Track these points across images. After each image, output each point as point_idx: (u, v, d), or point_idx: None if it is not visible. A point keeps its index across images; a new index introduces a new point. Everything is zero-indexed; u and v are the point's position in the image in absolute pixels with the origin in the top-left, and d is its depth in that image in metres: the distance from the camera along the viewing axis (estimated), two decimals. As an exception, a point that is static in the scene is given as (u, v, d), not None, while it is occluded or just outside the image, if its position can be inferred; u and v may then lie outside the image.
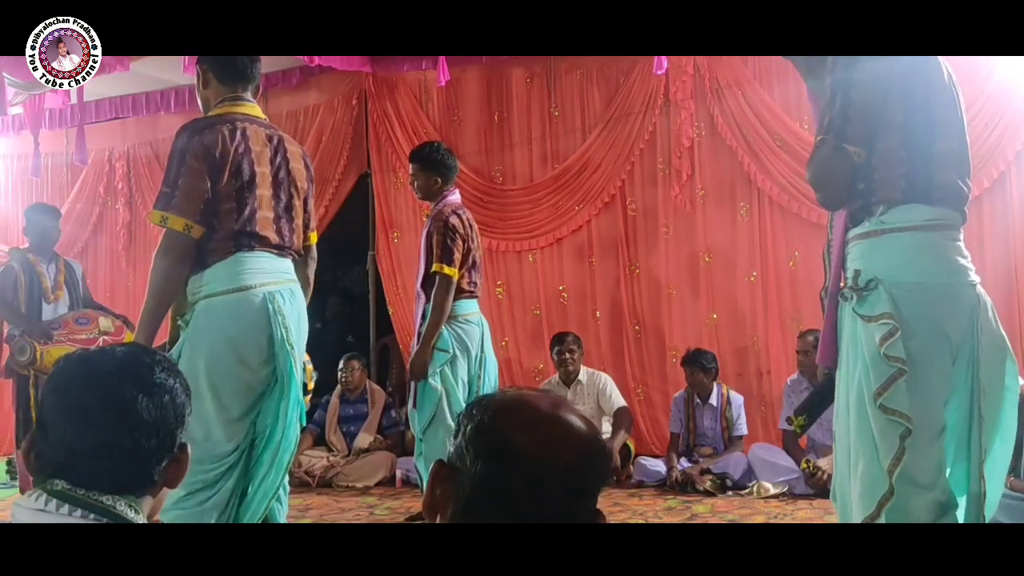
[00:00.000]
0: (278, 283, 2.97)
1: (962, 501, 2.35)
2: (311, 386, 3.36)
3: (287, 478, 3.10)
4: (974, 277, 2.38)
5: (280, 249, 3.01)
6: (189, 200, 2.84)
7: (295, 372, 2.94)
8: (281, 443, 2.93)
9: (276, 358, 2.92)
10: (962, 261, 2.36)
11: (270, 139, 3.04)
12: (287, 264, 3.05)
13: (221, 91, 3.05)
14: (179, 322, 2.97)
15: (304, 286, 3.21)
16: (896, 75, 2.32)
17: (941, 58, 2.40)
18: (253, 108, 3.08)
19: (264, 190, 2.98)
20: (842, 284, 2.42)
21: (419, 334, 4.50)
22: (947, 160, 2.35)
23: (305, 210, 3.18)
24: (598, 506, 1.27)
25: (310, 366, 3.34)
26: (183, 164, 2.86)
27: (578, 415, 1.28)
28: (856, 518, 2.28)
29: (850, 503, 2.34)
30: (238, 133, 2.93)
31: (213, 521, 2.81)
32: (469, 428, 1.25)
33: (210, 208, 2.87)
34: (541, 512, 1.19)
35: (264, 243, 2.96)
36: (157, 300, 2.87)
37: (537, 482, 1.20)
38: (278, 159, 3.05)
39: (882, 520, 2.21)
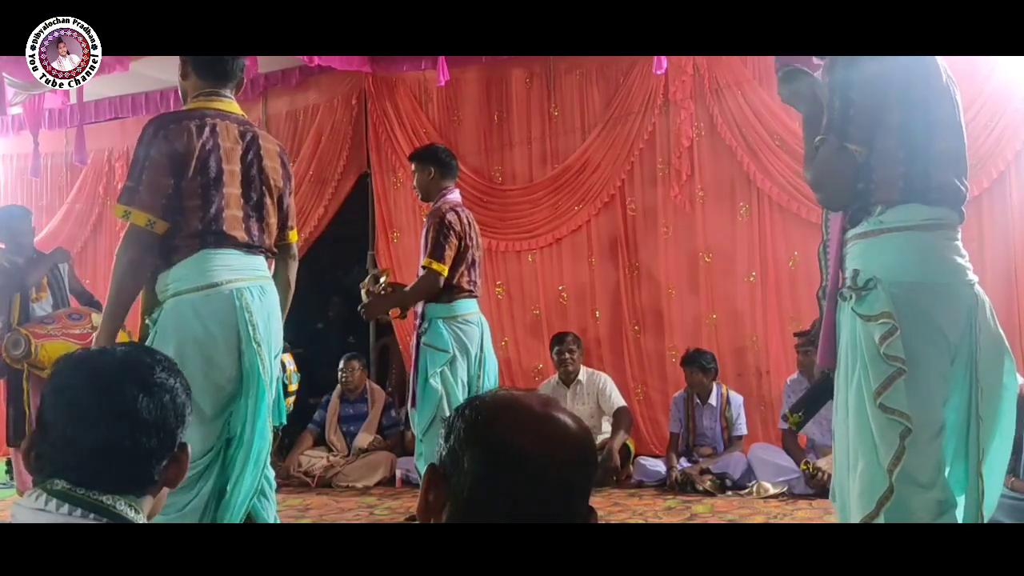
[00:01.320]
0: (247, 279, 2.92)
1: (961, 500, 2.35)
2: (292, 387, 3.32)
3: (271, 472, 3.06)
4: (972, 276, 2.38)
5: (249, 248, 2.96)
6: (152, 195, 2.81)
7: (261, 370, 2.88)
8: (253, 442, 2.88)
9: (242, 356, 2.87)
10: (960, 260, 2.36)
11: (243, 136, 2.99)
12: (257, 261, 3.01)
13: (199, 85, 3.01)
14: (147, 320, 2.95)
15: (284, 287, 3.18)
16: (894, 75, 2.32)
17: (939, 59, 2.40)
18: (229, 104, 3.03)
19: (232, 188, 2.93)
20: (840, 284, 2.42)
21: (418, 333, 4.52)
22: (945, 160, 2.36)
23: (281, 208, 3.13)
24: (596, 505, 1.28)
25: (292, 366, 3.30)
26: (147, 159, 2.82)
27: (568, 414, 1.29)
28: (855, 517, 2.28)
29: (849, 502, 2.34)
30: (207, 129, 2.89)
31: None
32: (463, 430, 1.25)
33: (174, 205, 2.84)
34: (542, 511, 1.20)
35: (231, 241, 2.91)
36: (118, 297, 2.85)
37: (538, 481, 1.20)
38: (250, 156, 3.00)
39: (881, 519, 2.21)
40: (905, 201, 2.31)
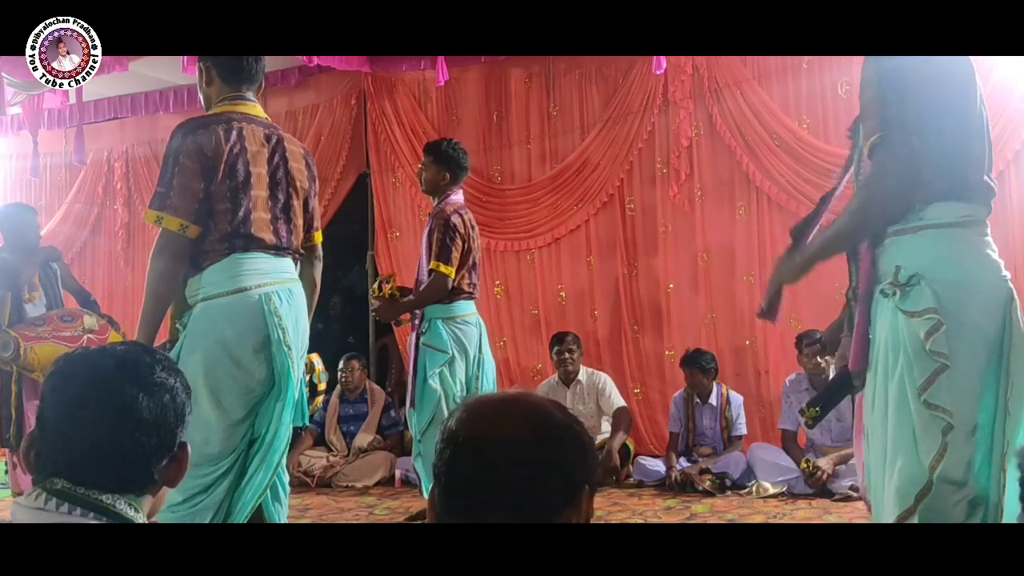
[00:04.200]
0: (275, 283, 2.94)
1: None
2: (322, 387, 3.35)
3: (287, 477, 3.10)
4: (1006, 272, 2.38)
5: (277, 250, 2.98)
6: (184, 200, 2.83)
7: (292, 373, 2.92)
8: (273, 443, 2.91)
9: (273, 359, 2.90)
10: (994, 256, 2.37)
11: (268, 139, 3.02)
12: (285, 263, 3.03)
13: (223, 90, 3.03)
14: (177, 325, 2.97)
15: (309, 288, 3.20)
16: (938, 72, 2.32)
17: (972, 59, 2.40)
18: (254, 107, 3.05)
19: (260, 191, 2.95)
20: (874, 281, 2.40)
21: (418, 333, 4.53)
22: (978, 158, 2.36)
23: (307, 210, 3.15)
24: (597, 505, 1.27)
25: (320, 366, 3.33)
26: (177, 164, 2.84)
27: (547, 400, 1.31)
28: (891, 514, 2.28)
29: (883, 499, 2.34)
30: (234, 133, 2.91)
31: (207, 521, 2.81)
32: (441, 432, 1.29)
33: (205, 208, 2.86)
34: (502, 496, 1.20)
35: (259, 244, 2.93)
36: (155, 300, 2.86)
37: (485, 462, 1.22)
38: (276, 159, 3.02)
39: (916, 517, 2.21)
40: (944, 198, 2.31)
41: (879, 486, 2.37)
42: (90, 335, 5.30)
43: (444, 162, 4.61)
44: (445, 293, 4.45)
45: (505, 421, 1.25)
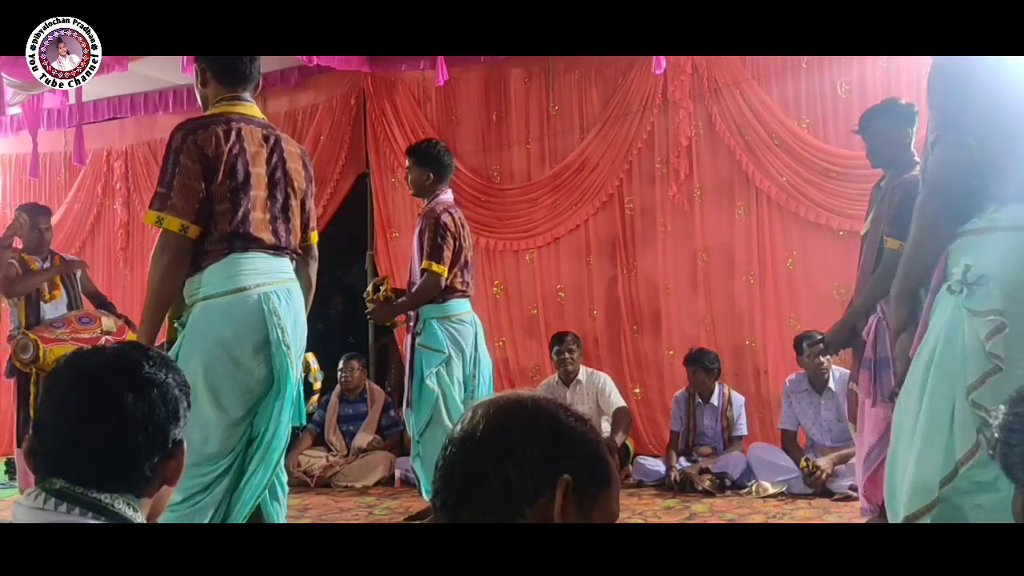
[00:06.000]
0: (274, 283, 2.96)
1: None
2: (317, 386, 3.36)
3: (285, 476, 3.11)
4: None
5: (276, 249, 3.00)
6: (184, 200, 2.83)
7: (291, 373, 2.93)
8: (272, 442, 2.93)
9: (272, 359, 2.91)
10: None
11: (266, 139, 3.03)
12: (284, 263, 3.04)
13: (220, 90, 3.03)
14: (176, 325, 2.98)
15: (305, 287, 3.21)
16: (1008, 73, 2.31)
17: None
18: (251, 108, 3.06)
19: (259, 191, 2.96)
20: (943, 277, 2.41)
21: (413, 334, 4.53)
22: None
23: (304, 210, 3.16)
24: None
25: (315, 365, 3.34)
26: (177, 164, 2.85)
27: (531, 395, 1.30)
28: (915, 504, 2.28)
29: (900, 487, 2.34)
30: (233, 134, 2.92)
31: (206, 520, 2.82)
32: None
33: (205, 209, 2.87)
34: (461, 492, 1.23)
35: (258, 244, 2.94)
36: (156, 301, 2.87)
37: (445, 459, 1.25)
38: (274, 159, 3.03)
39: (936, 511, 2.22)
40: (1017, 200, 2.30)
41: (896, 475, 2.37)
42: (108, 336, 5.31)
43: (425, 162, 4.62)
44: (438, 292, 4.46)
45: (469, 419, 1.26)
